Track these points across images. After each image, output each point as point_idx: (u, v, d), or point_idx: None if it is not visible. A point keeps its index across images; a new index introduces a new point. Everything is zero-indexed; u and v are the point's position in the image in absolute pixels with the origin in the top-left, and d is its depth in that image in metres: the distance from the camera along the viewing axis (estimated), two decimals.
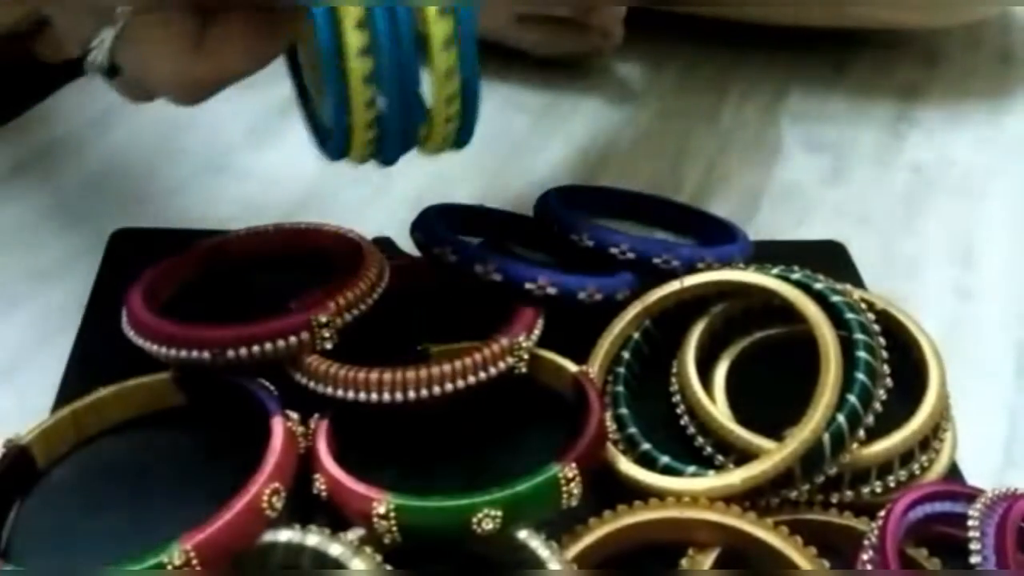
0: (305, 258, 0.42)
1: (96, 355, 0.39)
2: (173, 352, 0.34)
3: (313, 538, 0.30)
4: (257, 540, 0.29)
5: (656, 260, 0.40)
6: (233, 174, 0.51)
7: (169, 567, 0.27)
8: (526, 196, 0.45)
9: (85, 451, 0.35)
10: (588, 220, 0.41)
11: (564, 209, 0.42)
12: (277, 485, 0.30)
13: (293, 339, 0.34)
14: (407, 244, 0.42)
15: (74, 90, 0.56)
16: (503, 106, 0.56)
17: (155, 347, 0.34)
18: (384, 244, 0.43)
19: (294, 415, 0.33)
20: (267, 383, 0.34)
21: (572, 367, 0.36)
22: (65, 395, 0.36)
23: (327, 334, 0.34)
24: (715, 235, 0.44)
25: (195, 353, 0.33)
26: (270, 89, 0.57)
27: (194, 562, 0.27)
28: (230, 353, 0.33)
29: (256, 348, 0.33)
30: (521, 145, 0.54)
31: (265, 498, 0.29)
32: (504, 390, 0.37)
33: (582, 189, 0.48)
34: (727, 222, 0.45)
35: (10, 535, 0.32)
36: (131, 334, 0.36)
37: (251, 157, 0.52)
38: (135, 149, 0.52)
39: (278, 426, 0.32)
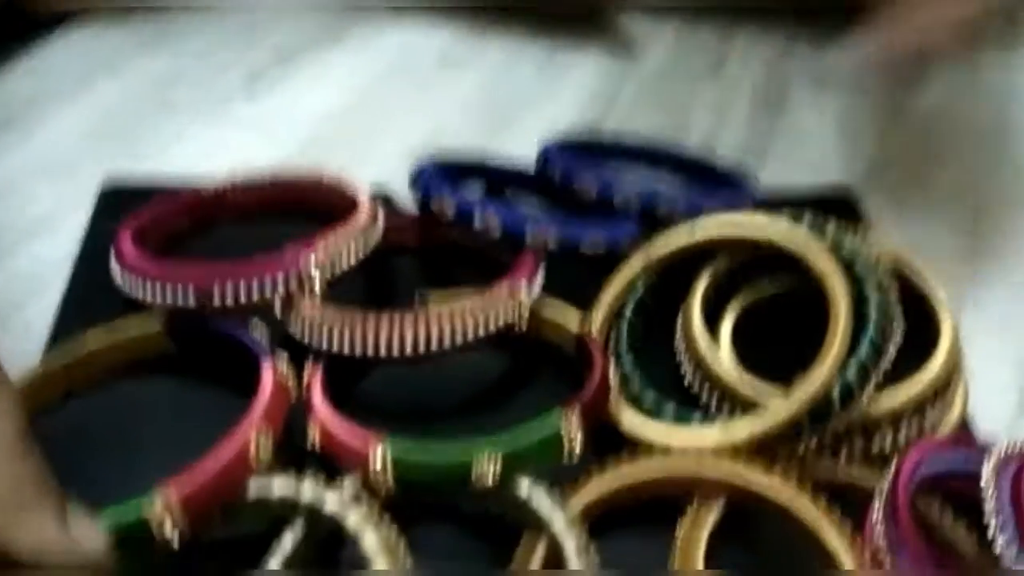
0: (302, 209, 0.42)
1: (86, 307, 0.38)
2: (159, 293, 0.33)
3: (308, 488, 0.29)
4: (245, 487, 0.29)
5: (661, 208, 0.39)
6: (228, 125, 0.50)
7: (152, 516, 0.26)
8: (527, 148, 0.44)
9: (75, 401, 0.34)
10: (591, 168, 0.40)
11: (566, 157, 0.41)
12: (266, 431, 0.29)
13: (281, 283, 0.33)
14: (405, 196, 0.41)
15: (63, 41, 0.55)
16: (504, 57, 0.55)
17: (140, 286, 0.34)
18: (382, 196, 0.42)
19: (285, 361, 0.32)
20: (258, 329, 0.33)
21: (574, 320, 0.35)
22: (55, 346, 0.36)
23: (316, 279, 0.33)
24: (721, 182, 0.43)
25: (180, 294, 0.33)
26: (267, 37, 0.56)
27: (177, 512, 0.27)
28: (216, 296, 0.32)
29: (243, 291, 0.32)
30: (522, 96, 0.53)
31: (253, 444, 0.28)
32: (505, 343, 0.37)
33: (585, 138, 0.46)
34: (733, 169, 0.44)
35: None
36: (117, 274, 0.35)
37: (247, 107, 0.51)
38: (127, 99, 0.51)
39: (267, 372, 0.31)
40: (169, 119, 0.50)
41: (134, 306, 0.35)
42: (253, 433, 0.28)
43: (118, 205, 0.43)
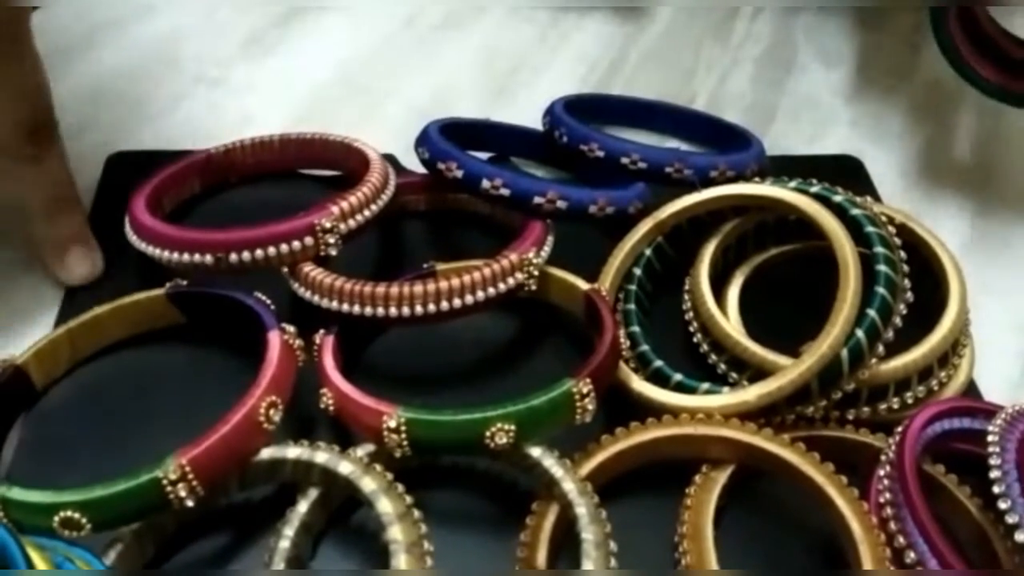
0: (312, 170, 0.42)
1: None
2: (175, 256, 0.33)
3: (322, 455, 0.29)
4: (255, 454, 0.29)
5: (669, 169, 0.38)
6: (230, 88, 0.49)
7: (164, 482, 0.27)
8: (533, 110, 0.43)
9: (83, 370, 0.34)
10: (598, 129, 0.40)
11: (573, 119, 0.40)
12: (274, 398, 0.29)
13: (297, 243, 0.33)
14: (412, 160, 0.40)
15: (60, 6, 0.54)
16: (509, 18, 0.54)
17: (157, 251, 0.34)
18: (388, 161, 0.41)
19: (291, 328, 0.32)
20: (263, 297, 0.33)
21: (583, 284, 0.35)
22: (63, 317, 0.36)
23: (331, 240, 0.33)
24: (729, 142, 0.42)
25: (198, 257, 0.33)
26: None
27: (190, 476, 0.27)
28: (233, 257, 0.32)
29: (259, 252, 0.33)
30: (527, 58, 0.52)
31: (262, 411, 0.29)
32: (514, 308, 0.37)
33: (591, 99, 0.46)
34: (740, 129, 0.44)
35: (9, 456, 0.31)
36: (133, 239, 0.35)
37: (249, 70, 0.51)
38: (127, 65, 0.51)
39: (274, 339, 0.31)
40: (171, 82, 0.49)
41: (145, 271, 0.35)
42: (262, 400, 0.29)
43: (125, 175, 0.42)
